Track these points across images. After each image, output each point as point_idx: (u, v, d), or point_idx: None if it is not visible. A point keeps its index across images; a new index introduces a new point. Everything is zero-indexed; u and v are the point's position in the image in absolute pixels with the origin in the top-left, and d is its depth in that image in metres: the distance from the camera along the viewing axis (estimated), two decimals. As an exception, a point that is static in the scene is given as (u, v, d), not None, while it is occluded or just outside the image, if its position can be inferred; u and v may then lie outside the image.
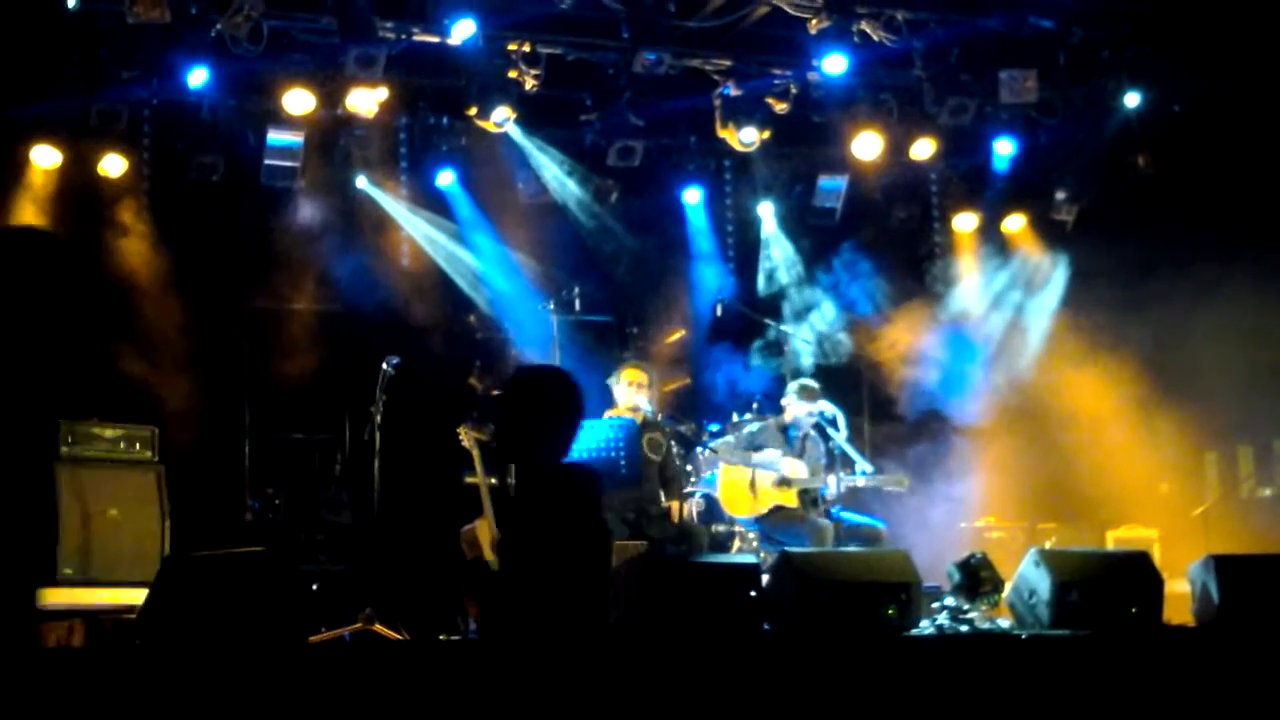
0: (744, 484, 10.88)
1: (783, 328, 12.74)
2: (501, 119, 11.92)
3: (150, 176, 12.21)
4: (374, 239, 12.87)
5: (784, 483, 10.89)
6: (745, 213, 14.00)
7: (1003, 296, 14.00)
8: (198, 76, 11.43)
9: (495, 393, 12.91)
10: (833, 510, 10.80)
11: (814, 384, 11.24)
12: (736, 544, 11.16)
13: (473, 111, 11.92)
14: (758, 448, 11.02)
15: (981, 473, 13.01)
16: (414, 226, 13.01)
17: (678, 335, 13.27)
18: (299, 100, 11.78)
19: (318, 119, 12.12)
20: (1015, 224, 14.10)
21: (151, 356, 12.04)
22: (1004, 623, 8.66)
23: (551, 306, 11.91)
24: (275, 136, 12.14)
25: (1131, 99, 12.74)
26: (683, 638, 7.34)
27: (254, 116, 12.16)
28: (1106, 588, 8.19)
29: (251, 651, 6.71)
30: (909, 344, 13.39)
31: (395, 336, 12.00)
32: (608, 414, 10.68)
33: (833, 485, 10.81)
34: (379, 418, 10.29)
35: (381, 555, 10.23)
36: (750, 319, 12.88)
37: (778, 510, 10.87)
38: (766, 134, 12.56)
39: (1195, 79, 12.59)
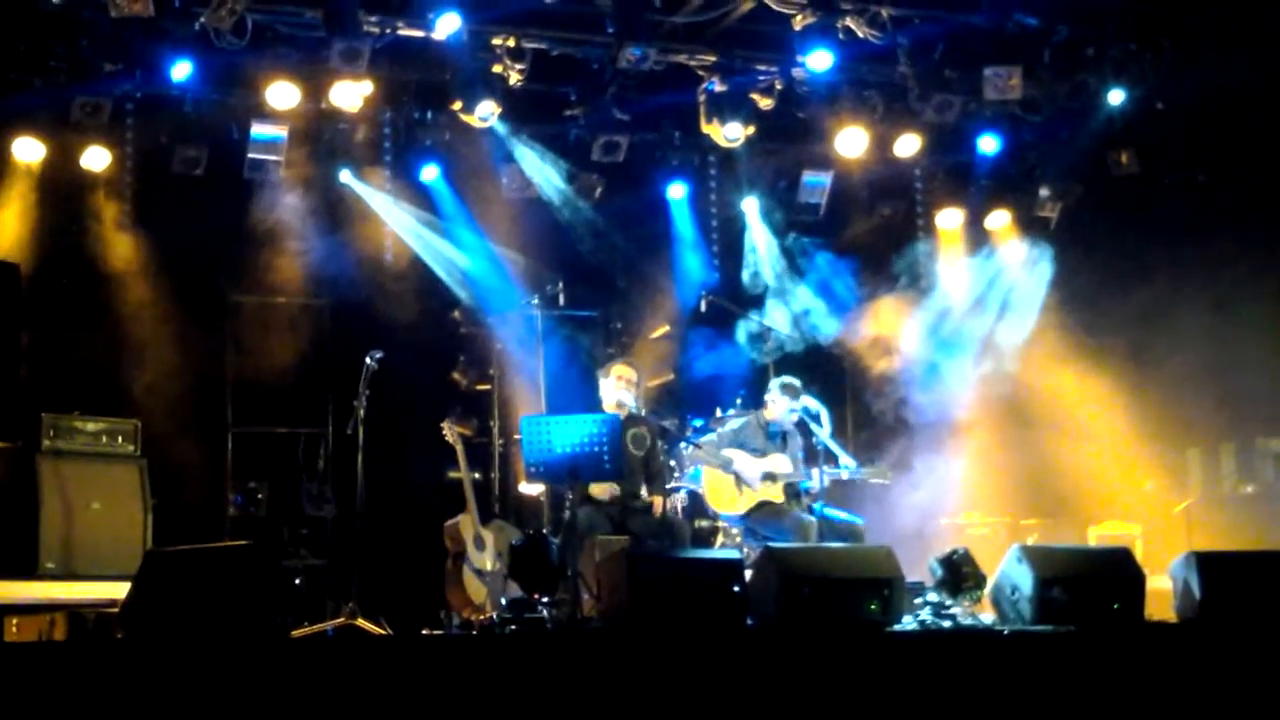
0: (729, 479, 10.89)
1: (766, 323, 12.74)
2: (486, 114, 11.89)
3: (133, 170, 12.17)
4: (357, 233, 12.85)
5: (769, 477, 10.90)
6: (729, 208, 13.98)
7: (986, 293, 14.02)
8: (181, 70, 11.39)
9: (479, 387, 12.94)
10: (814, 506, 10.81)
11: (796, 381, 11.25)
12: (720, 539, 11.16)
13: (457, 106, 11.90)
14: (740, 445, 11.02)
15: (964, 468, 13.03)
16: (397, 221, 12.99)
17: (662, 330, 13.26)
18: (283, 94, 11.76)
19: (301, 113, 12.09)
20: (999, 220, 14.11)
21: (134, 350, 12.02)
22: (986, 618, 8.67)
23: (535, 302, 11.90)
24: (259, 130, 12.10)
25: (1115, 96, 12.75)
26: (666, 633, 7.34)
27: (237, 110, 12.12)
28: (1089, 584, 8.22)
29: (234, 646, 6.70)
30: (892, 340, 13.40)
31: (378, 331, 11.99)
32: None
33: (815, 480, 10.82)
34: (362, 412, 10.28)
35: (364, 550, 10.22)
36: (734, 314, 12.89)
37: (763, 505, 10.87)
38: (751, 130, 12.55)
39: (1178, 77, 12.61)
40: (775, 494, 10.91)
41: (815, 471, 10.80)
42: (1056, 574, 8.17)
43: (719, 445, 11.04)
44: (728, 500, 10.90)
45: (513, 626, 9.21)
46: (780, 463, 11.00)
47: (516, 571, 9.52)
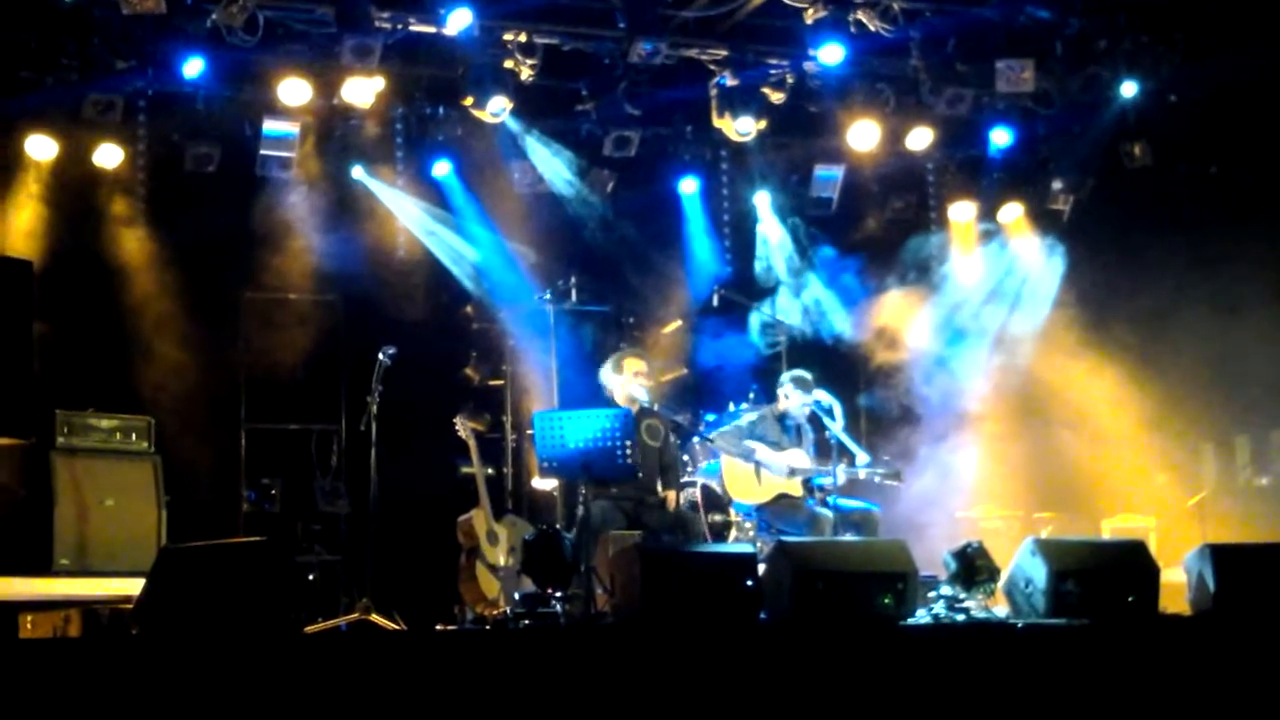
0: (750, 469, 10.89)
1: (779, 317, 12.74)
2: (497, 109, 11.89)
3: (146, 167, 12.18)
4: (369, 229, 12.86)
5: (791, 471, 10.91)
6: (741, 203, 13.98)
7: (999, 285, 14.00)
8: (193, 67, 11.40)
9: (491, 382, 12.94)
10: (830, 500, 10.81)
11: (807, 375, 11.26)
12: (733, 533, 11.16)
13: (469, 101, 11.90)
14: (758, 438, 11.02)
15: (978, 461, 13.01)
16: (410, 216, 13.00)
17: (675, 325, 13.25)
18: (295, 90, 11.76)
19: (314, 109, 12.10)
20: (1012, 213, 14.08)
21: (147, 347, 12.04)
22: (1000, 612, 8.65)
23: (548, 297, 11.91)
24: (271, 127, 12.11)
25: (1128, 89, 12.72)
26: (679, 627, 7.34)
27: (250, 107, 12.13)
28: (1103, 577, 8.21)
29: (248, 641, 6.71)
30: (904, 333, 13.39)
31: (391, 327, 12.00)
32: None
33: (831, 477, 10.81)
34: (375, 408, 10.29)
35: (378, 545, 10.23)
36: (746, 308, 12.89)
37: (781, 498, 10.88)
38: (763, 124, 12.53)
39: (1191, 69, 12.58)
40: (794, 488, 10.92)
41: (832, 468, 10.79)
42: (1070, 567, 8.16)
43: (738, 436, 11.05)
44: (748, 490, 10.90)
45: (526, 621, 9.22)
46: (799, 457, 11.01)
47: (530, 566, 9.53)
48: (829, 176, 13.69)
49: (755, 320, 12.86)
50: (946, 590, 8.85)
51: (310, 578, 11.61)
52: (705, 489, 11.30)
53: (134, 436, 11.14)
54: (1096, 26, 12.48)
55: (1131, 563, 8.37)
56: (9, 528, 10.50)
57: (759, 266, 13.80)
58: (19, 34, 11.19)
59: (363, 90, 11.78)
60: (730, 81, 12.39)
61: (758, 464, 10.89)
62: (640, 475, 10.18)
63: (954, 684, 7.30)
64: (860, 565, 7.98)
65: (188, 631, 6.92)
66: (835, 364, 13.06)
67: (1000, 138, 13.48)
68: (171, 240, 12.26)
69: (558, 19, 11.95)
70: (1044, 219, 13.96)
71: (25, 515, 10.54)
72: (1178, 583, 8.60)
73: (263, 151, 12.17)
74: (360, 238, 12.79)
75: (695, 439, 11.35)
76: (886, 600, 7.80)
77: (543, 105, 12.77)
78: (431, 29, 11.53)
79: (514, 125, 12.64)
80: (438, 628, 9.90)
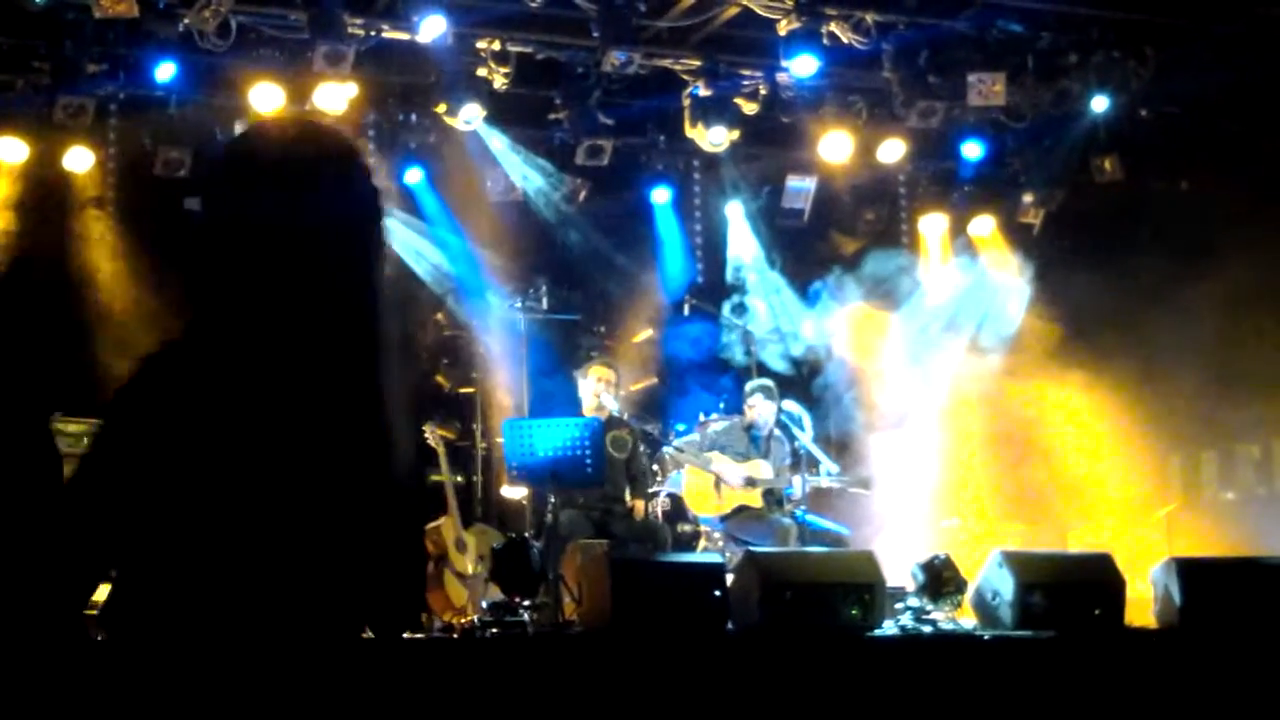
0: (709, 483, 10.92)
1: (749, 327, 12.77)
2: (470, 117, 11.89)
3: (116, 171, 12.15)
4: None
5: (749, 482, 10.92)
6: (713, 213, 14.01)
7: (969, 298, 14.04)
8: (165, 71, 11.37)
9: (461, 389, 12.94)
10: (798, 514, 10.83)
11: (771, 383, 11.29)
12: (702, 543, 11.18)
13: (441, 109, 11.90)
14: (721, 449, 11.04)
15: (945, 473, 13.03)
16: (381, 223, 12.96)
17: (645, 334, 13.27)
18: (267, 96, 11.71)
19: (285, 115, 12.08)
20: (982, 226, 14.13)
21: (116, 351, 11.98)
22: (967, 624, 8.68)
23: (519, 304, 11.90)
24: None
25: (1099, 103, 12.77)
26: (647, 637, 7.34)
27: (221, 112, 12.09)
28: (1069, 590, 8.25)
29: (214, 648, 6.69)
30: (874, 345, 13.41)
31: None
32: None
33: (798, 486, 10.84)
34: (345, 415, 10.26)
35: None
36: (717, 318, 12.91)
37: (741, 510, 10.90)
38: (735, 134, 12.56)
39: (1162, 84, 12.65)
40: (753, 499, 10.94)
41: (797, 479, 10.81)
42: (1037, 580, 8.20)
43: (700, 447, 11.07)
44: (707, 503, 10.92)
45: (494, 630, 9.20)
46: (761, 468, 11.03)
47: (498, 575, 9.52)
48: (801, 188, 13.72)
49: (725, 330, 12.88)
50: (914, 602, 8.88)
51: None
52: (673, 499, 11.31)
53: (102, 441, 11.09)
54: (1068, 41, 12.52)
55: (1098, 576, 8.41)
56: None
57: (730, 276, 13.82)
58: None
59: (335, 96, 11.75)
60: (703, 92, 12.41)
61: (712, 472, 10.92)
62: (607, 484, 10.20)
63: (921, 695, 7.31)
64: (828, 576, 8.00)
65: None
66: (803, 376, 13.08)
67: (971, 150, 13.53)
68: (140, 244, 12.21)
69: (531, 27, 11.95)
70: (1014, 232, 14.00)
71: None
72: (1144, 596, 8.63)
73: (234, 157, 12.12)
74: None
75: (664, 449, 11.36)
76: (854, 611, 7.82)
77: (516, 113, 12.76)
78: (405, 36, 11.52)
79: (486, 133, 12.64)
80: (404, 635, 9.88)
